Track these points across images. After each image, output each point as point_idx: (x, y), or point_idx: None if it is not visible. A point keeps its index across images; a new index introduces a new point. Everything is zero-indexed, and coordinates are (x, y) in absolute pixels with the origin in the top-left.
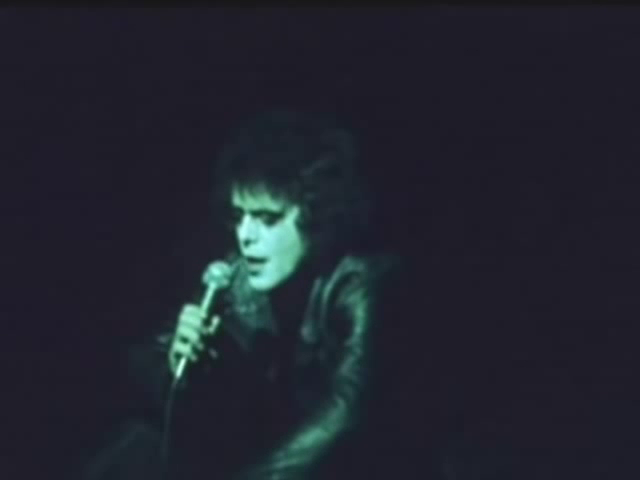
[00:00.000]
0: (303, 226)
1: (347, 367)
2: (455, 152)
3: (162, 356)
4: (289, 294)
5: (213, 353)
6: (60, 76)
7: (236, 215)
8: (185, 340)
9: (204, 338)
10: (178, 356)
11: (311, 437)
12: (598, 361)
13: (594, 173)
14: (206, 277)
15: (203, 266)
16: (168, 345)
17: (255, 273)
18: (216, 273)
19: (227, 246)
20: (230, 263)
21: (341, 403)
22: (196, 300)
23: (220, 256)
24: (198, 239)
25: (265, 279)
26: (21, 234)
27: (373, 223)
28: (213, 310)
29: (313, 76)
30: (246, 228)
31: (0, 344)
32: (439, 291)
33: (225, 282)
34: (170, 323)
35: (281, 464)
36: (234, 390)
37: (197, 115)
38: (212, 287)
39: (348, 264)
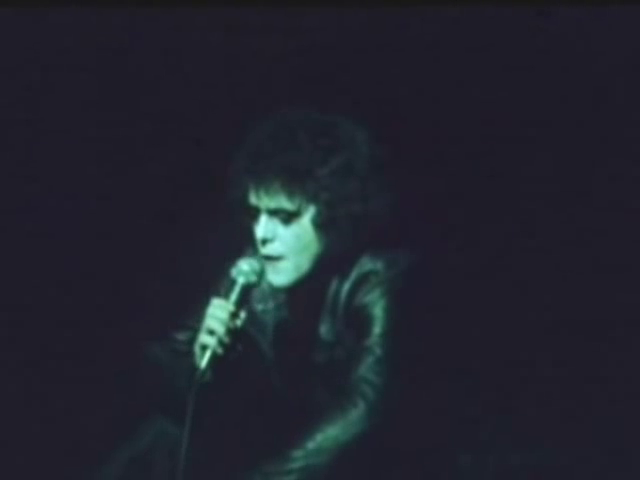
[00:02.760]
0: (320, 225)
1: (366, 367)
2: (472, 149)
3: (180, 354)
4: (307, 292)
5: (239, 347)
6: (62, 76)
7: (253, 213)
8: (212, 332)
9: (230, 331)
10: (204, 348)
11: (330, 437)
12: (621, 357)
13: (616, 172)
14: (234, 272)
15: (221, 264)
16: (187, 342)
17: (273, 270)
18: (245, 268)
19: (244, 243)
20: (257, 259)
21: (360, 404)
22: (218, 294)
23: (238, 253)
24: (216, 237)
25: (282, 277)
26: (45, 231)
27: (390, 221)
28: (241, 304)
29: (326, 75)
30: (263, 227)
31: (19, 343)
32: (457, 289)
33: (253, 278)
34: (189, 321)
35: (299, 463)
36: (252, 388)
37: (215, 114)
38: (240, 282)
39: (366, 263)
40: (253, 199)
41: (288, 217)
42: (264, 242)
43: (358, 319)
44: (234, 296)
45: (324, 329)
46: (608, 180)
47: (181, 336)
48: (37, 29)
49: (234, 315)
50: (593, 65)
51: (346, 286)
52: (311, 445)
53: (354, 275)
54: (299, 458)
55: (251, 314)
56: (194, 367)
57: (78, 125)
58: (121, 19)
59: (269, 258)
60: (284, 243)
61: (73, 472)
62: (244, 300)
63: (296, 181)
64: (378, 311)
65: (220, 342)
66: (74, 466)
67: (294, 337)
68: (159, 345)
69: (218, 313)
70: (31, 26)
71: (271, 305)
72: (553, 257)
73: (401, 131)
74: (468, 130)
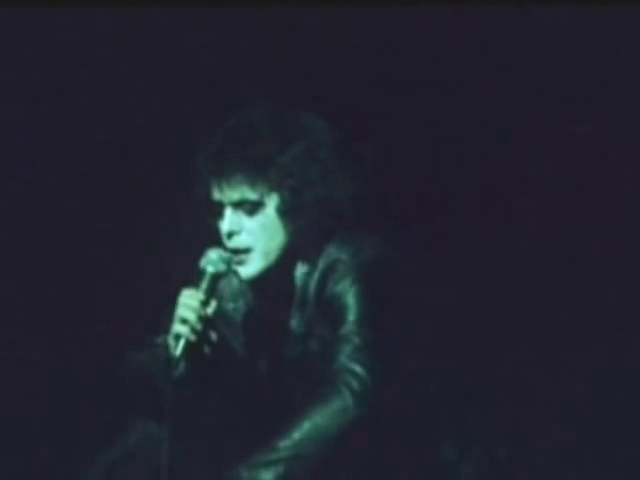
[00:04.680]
0: (284, 212)
1: (346, 356)
2: (437, 133)
3: (159, 357)
4: (275, 285)
5: (212, 336)
6: (57, 76)
7: (217, 210)
8: (184, 321)
9: (202, 319)
10: (177, 337)
11: (316, 427)
12: (599, 351)
13: (591, 171)
14: (203, 262)
15: (190, 263)
16: (164, 345)
17: (240, 262)
18: (213, 257)
19: (212, 243)
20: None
21: (345, 393)
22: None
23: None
24: (190, 237)
25: (250, 267)
26: (15, 235)
27: (355, 207)
28: (210, 293)
29: (287, 65)
30: (228, 220)
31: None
32: (427, 273)
33: (222, 267)
34: (165, 324)
35: (286, 454)
36: (231, 384)
37: (182, 113)
38: (209, 271)
39: (332, 252)
40: (216, 194)
41: (252, 208)
42: (230, 235)
43: (331, 309)
44: (204, 284)
45: (295, 322)
46: (604, 180)
47: (160, 340)
48: (31, 28)
49: (204, 303)
50: (593, 65)
51: (315, 276)
52: (297, 435)
53: (321, 265)
54: (285, 448)
55: (222, 313)
56: (169, 359)
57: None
58: (116, 17)
59: (236, 251)
60: (250, 234)
61: (57, 474)
62: (214, 289)
63: (257, 170)
64: (350, 299)
65: (193, 330)
66: (58, 468)
67: (266, 333)
68: (139, 350)
69: (189, 302)
70: (26, 26)
71: (241, 303)
72: (526, 240)
73: (366, 116)
74: (435, 112)
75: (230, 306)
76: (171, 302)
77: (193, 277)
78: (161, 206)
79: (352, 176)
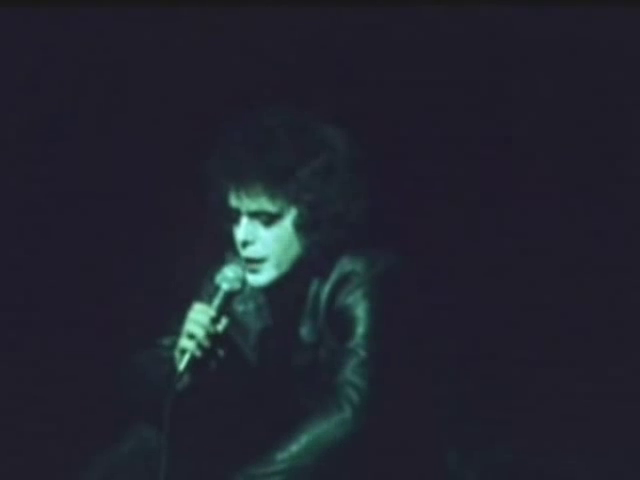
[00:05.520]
0: (301, 227)
1: (350, 370)
2: (453, 148)
3: (164, 359)
4: (287, 293)
5: (219, 352)
6: (59, 76)
7: (233, 216)
8: (191, 336)
9: (210, 336)
10: (183, 351)
11: (314, 440)
12: (603, 352)
13: (591, 172)
14: (219, 278)
15: (202, 267)
16: (171, 348)
17: (253, 271)
18: (229, 275)
19: (225, 246)
20: (234, 264)
21: (345, 407)
22: (199, 300)
23: (221, 256)
24: (200, 240)
25: (262, 276)
26: (20, 235)
27: (371, 222)
28: (222, 310)
29: (307, 75)
30: (244, 229)
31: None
32: (439, 289)
33: (237, 285)
34: (174, 325)
35: (284, 466)
36: (235, 391)
37: (195, 116)
38: (224, 288)
39: (346, 264)
40: (233, 201)
41: (269, 219)
42: (245, 244)
43: (340, 320)
44: (217, 301)
45: (305, 331)
46: (606, 180)
47: (166, 341)
48: (37, 29)
49: (215, 320)
50: (593, 65)
51: (327, 287)
52: (295, 448)
53: (334, 276)
54: (283, 460)
55: (231, 315)
56: (174, 371)
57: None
58: (115, 17)
59: (250, 261)
60: (265, 245)
61: (54, 477)
62: (226, 306)
63: (277, 182)
64: (360, 312)
65: (199, 345)
66: (55, 471)
67: (275, 339)
68: (144, 352)
69: (199, 317)
70: (31, 26)
71: (252, 306)
72: (539, 257)
73: (382, 130)
74: (451, 128)
75: (240, 308)
76: (178, 305)
77: (200, 280)
78: (179, 209)
79: (368, 191)
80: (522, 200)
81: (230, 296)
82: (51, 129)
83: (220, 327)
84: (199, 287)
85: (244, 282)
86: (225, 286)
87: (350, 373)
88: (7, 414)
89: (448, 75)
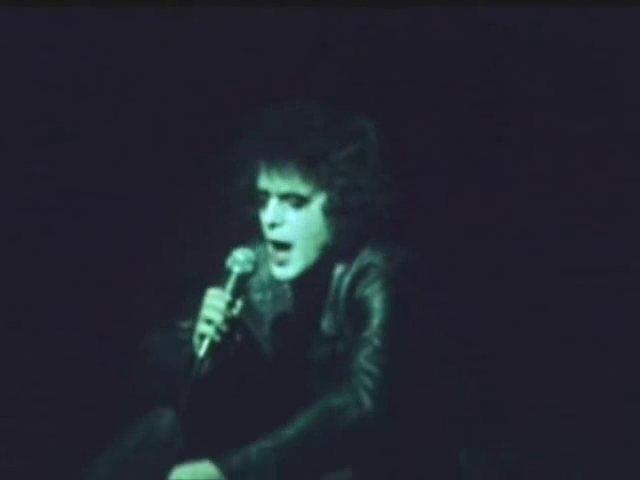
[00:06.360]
0: (330, 212)
1: (364, 357)
2: (476, 147)
3: (182, 342)
4: (309, 285)
5: (237, 336)
6: (64, 75)
7: (261, 199)
8: (209, 322)
9: (228, 320)
10: (202, 337)
11: (327, 412)
12: (618, 353)
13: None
14: (230, 262)
15: (224, 253)
16: (190, 330)
17: (281, 263)
18: (240, 258)
19: (248, 232)
20: (253, 249)
21: (359, 393)
22: (219, 285)
23: (240, 242)
24: (220, 226)
25: (290, 269)
26: (44, 225)
27: (392, 215)
28: (237, 294)
29: (339, 68)
30: (272, 211)
31: (13, 336)
32: (455, 284)
33: (249, 267)
34: (192, 309)
35: (296, 440)
36: (249, 380)
37: (212, 109)
38: (236, 271)
39: (366, 256)
40: (264, 182)
41: (299, 202)
42: (272, 226)
43: (357, 312)
44: (230, 285)
45: (326, 323)
46: (608, 180)
47: (185, 324)
48: (37, 29)
49: (230, 304)
50: (593, 65)
51: (347, 279)
52: (306, 420)
53: (354, 268)
54: (294, 434)
55: (248, 304)
56: (193, 356)
57: (71, 122)
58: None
59: (276, 243)
60: (293, 228)
61: (63, 470)
62: (240, 289)
63: (312, 164)
64: (377, 304)
65: (218, 330)
66: (64, 464)
67: (293, 330)
68: (161, 334)
69: (215, 302)
70: (31, 26)
71: (269, 296)
72: (553, 253)
73: (406, 128)
74: (472, 129)
75: (258, 297)
76: (198, 288)
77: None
78: (199, 196)
79: (393, 185)
80: (542, 199)
81: (243, 279)
82: (52, 124)
83: (236, 311)
84: (217, 271)
85: (256, 264)
86: (237, 269)
87: (364, 360)
88: (7, 414)
89: (480, 72)
